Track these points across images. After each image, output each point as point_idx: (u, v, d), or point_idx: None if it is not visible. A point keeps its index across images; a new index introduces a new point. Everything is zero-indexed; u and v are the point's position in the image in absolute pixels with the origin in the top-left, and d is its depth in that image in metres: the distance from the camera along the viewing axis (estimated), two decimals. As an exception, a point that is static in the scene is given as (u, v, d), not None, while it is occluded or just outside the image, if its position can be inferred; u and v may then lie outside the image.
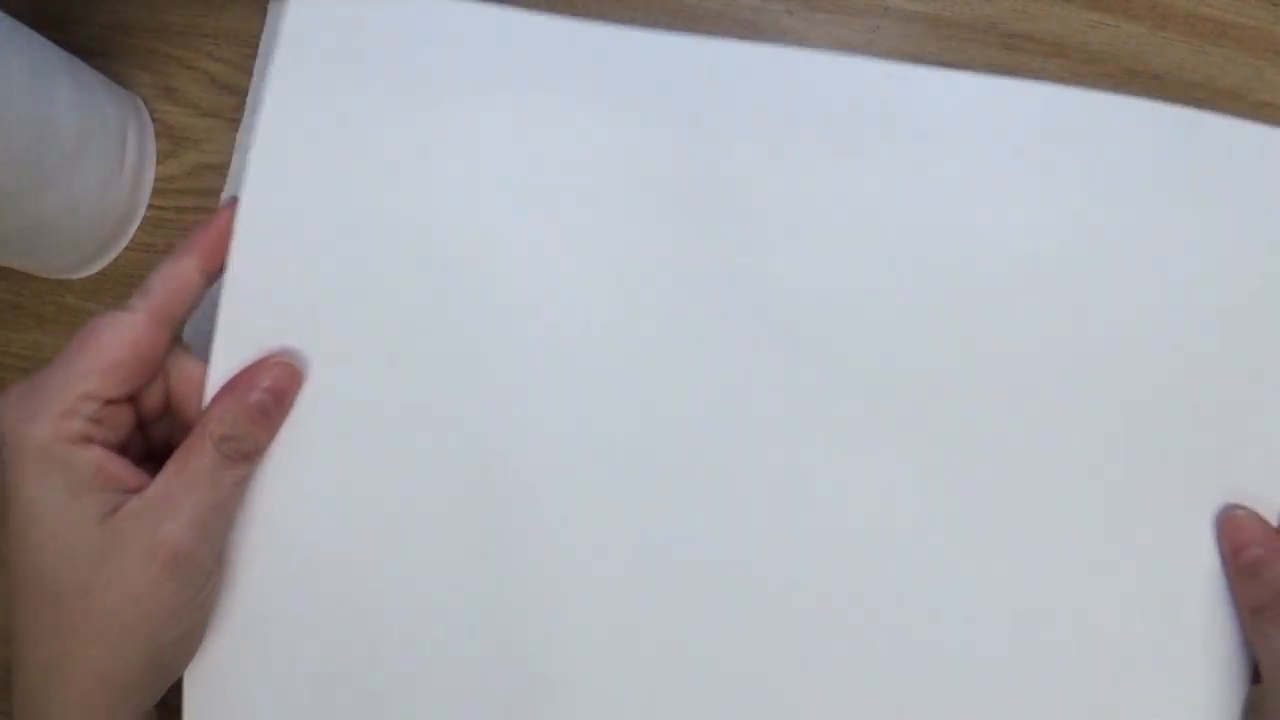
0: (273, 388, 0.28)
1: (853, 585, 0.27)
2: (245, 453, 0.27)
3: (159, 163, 0.42)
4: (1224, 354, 0.27)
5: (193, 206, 0.41)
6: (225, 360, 0.28)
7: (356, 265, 0.28)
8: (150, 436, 0.29)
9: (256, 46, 0.42)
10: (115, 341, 0.26)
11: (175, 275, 0.28)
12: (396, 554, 0.28)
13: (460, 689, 0.27)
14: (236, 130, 0.41)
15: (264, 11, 0.42)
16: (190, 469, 0.26)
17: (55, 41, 0.37)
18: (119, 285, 0.41)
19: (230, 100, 0.41)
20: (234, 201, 0.29)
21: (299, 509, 0.29)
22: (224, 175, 0.41)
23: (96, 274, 0.41)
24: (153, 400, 0.28)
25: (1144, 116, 0.29)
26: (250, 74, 0.41)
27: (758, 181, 0.28)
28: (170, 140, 0.42)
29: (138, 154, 0.40)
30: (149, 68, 0.42)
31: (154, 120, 0.42)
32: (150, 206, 0.42)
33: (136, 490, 0.26)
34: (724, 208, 0.28)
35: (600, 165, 0.28)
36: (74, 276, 0.41)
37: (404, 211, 0.28)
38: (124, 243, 0.41)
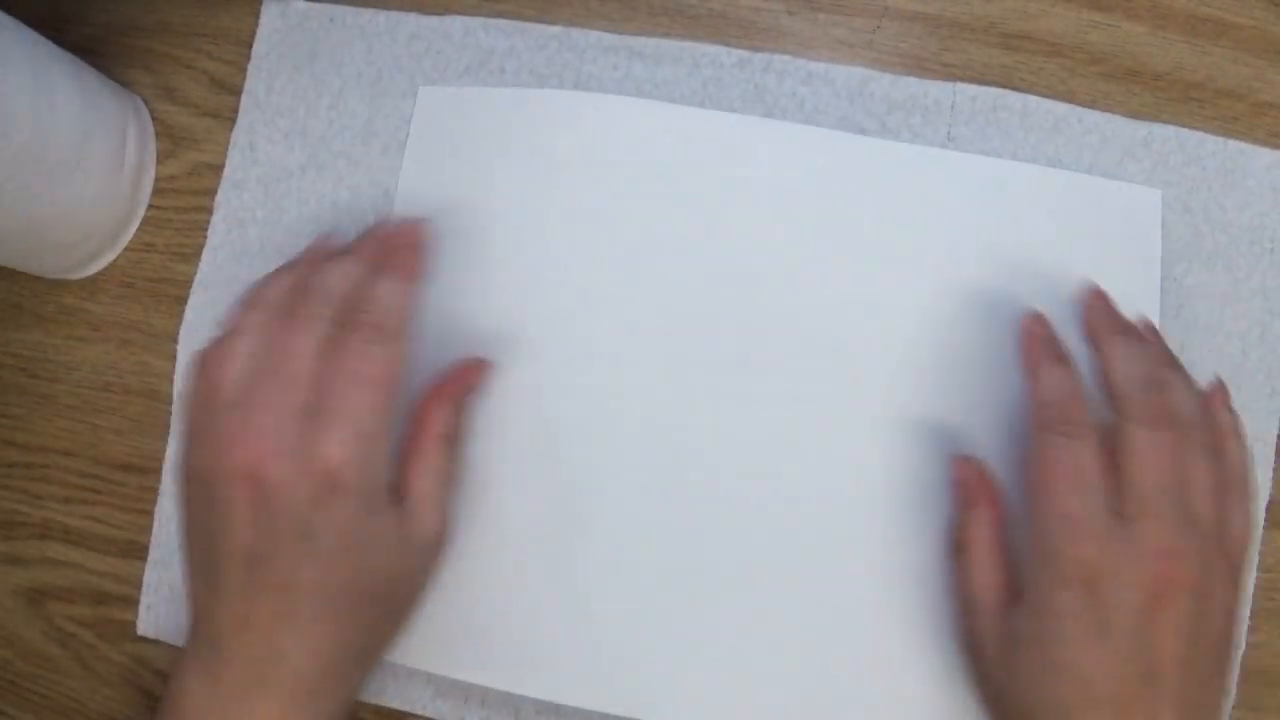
0: (475, 387, 0.35)
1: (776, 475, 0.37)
2: (457, 445, 0.34)
3: (159, 163, 0.42)
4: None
5: (193, 206, 0.41)
6: None
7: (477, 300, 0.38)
8: None
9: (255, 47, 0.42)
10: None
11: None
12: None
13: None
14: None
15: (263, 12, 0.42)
16: (430, 463, 0.32)
17: (55, 41, 0.37)
18: (119, 285, 0.41)
19: (229, 100, 0.41)
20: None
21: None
22: (222, 175, 0.41)
23: (96, 274, 0.41)
24: None
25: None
26: (248, 74, 0.41)
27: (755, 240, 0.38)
28: (170, 140, 0.42)
29: (138, 154, 0.40)
30: (149, 68, 0.42)
31: (154, 120, 0.42)
32: (150, 206, 0.42)
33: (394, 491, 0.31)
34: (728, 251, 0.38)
35: (643, 229, 0.38)
36: (74, 276, 0.41)
37: (510, 267, 0.38)
38: (124, 243, 0.41)
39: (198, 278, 0.41)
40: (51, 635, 0.40)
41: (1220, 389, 0.32)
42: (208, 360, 0.30)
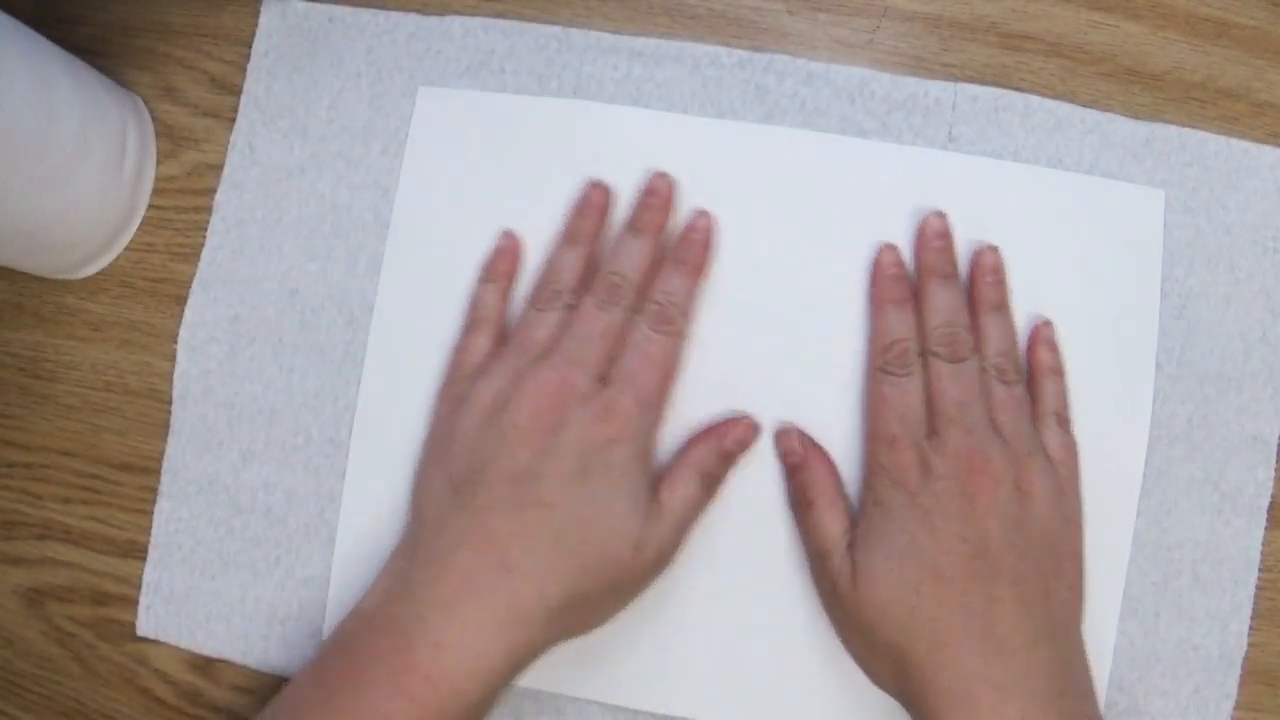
0: (742, 439, 0.36)
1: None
2: (715, 488, 0.36)
3: (159, 163, 0.42)
4: None
5: (193, 206, 0.41)
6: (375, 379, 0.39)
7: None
8: None
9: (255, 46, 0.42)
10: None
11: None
12: None
13: None
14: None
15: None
16: (680, 496, 0.34)
17: (55, 41, 0.37)
18: (119, 285, 0.41)
19: (229, 100, 0.41)
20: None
21: None
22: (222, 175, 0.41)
23: (96, 274, 0.41)
24: None
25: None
26: (248, 74, 0.41)
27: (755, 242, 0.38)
28: (170, 140, 0.42)
29: (138, 154, 0.40)
30: (149, 68, 0.42)
31: (154, 120, 0.42)
32: (150, 206, 0.42)
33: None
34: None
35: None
36: (74, 276, 0.41)
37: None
38: (124, 243, 0.41)
39: (198, 278, 0.41)
40: (51, 635, 0.40)
41: (1040, 329, 0.36)
42: (522, 324, 0.36)
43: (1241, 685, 0.36)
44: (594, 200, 0.37)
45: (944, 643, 0.30)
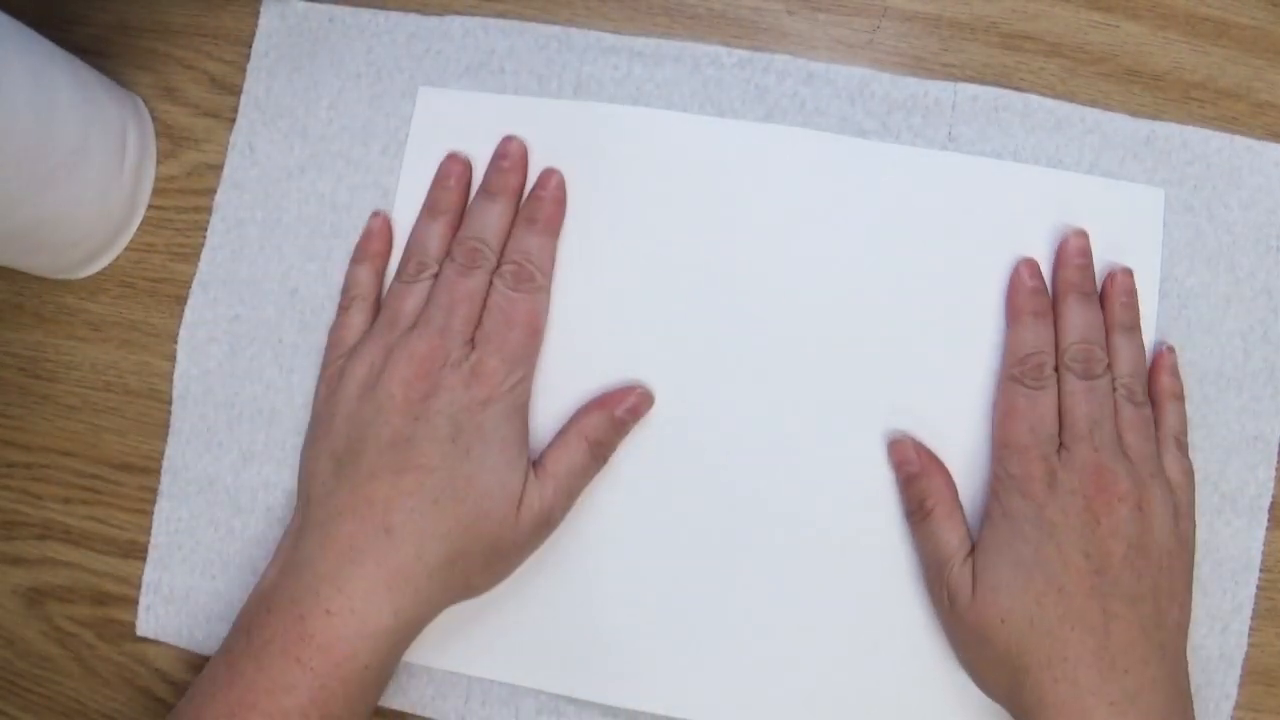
0: (634, 407, 0.36)
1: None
2: (604, 455, 0.36)
3: (159, 163, 0.42)
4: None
5: (193, 206, 0.41)
6: None
7: None
8: None
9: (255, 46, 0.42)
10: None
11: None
12: None
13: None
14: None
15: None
16: (570, 456, 0.35)
17: (55, 41, 0.37)
18: (119, 285, 0.41)
19: (229, 100, 0.41)
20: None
21: None
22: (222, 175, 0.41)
23: (96, 274, 0.41)
24: None
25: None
26: (248, 74, 0.41)
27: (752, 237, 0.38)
28: (170, 140, 0.42)
29: (138, 154, 0.40)
30: (149, 68, 0.42)
31: (154, 120, 0.42)
32: (150, 206, 0.42)
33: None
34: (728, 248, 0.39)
35: (641, 225, 0.39)
36: (74, 276, 0.41)
37: None
38: (124, 243, 0.41)
39: (198, 278, 0.41)
40: (51, 635, 0.40)
41: (1163, 356, 0.36)
42: (390, 297, 0.37)
43: (1241, 685, 0.36)
44: (453, 170, 0.38)
45: (1062, 656, 0.30)
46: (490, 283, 0.36)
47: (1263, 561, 0.36)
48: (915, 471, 0.36)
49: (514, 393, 0.35)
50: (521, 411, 0.35)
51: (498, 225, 0.37)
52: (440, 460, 0.33)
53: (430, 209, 0.38)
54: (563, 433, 0.36)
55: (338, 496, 0.33)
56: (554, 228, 0.37)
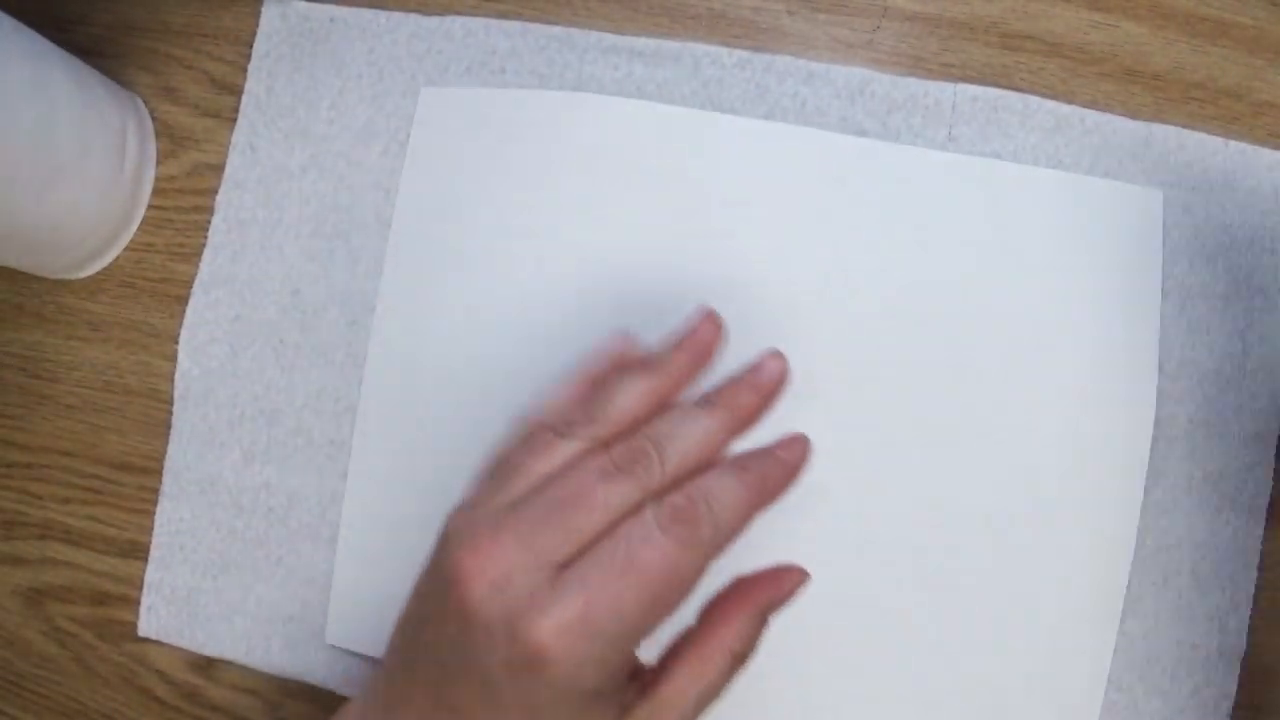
0: (788, 599, 0.28)
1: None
2: (745, 664, 0.27)
3: (159, 163, 0.42)
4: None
5: (193, 206, 0.41)
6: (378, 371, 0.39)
7: (480, 282, 0.39)
8: None
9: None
10: None
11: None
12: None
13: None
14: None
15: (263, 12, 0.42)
16: (706, 678, 0.26)
17: (55, 41, 0.37)
18: (119, 285, 0.41)
19: (229, 100, 0.41)
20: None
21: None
22: (223, 175, 0.41)
23: (96, 274, 0.41)
24: None
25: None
26: (249, 74, 0.41)
27: (746, 233, 0.38)
28: (170, 140, 0.42)
29: (138, 154, 0.40)
30: (149, 68, 0.42)
31: (154, 120, 0.42)
32: (150, 206, 0.42)
33: (637, 680, 0.26)
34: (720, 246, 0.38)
35: (632, 221, 0.38)
36: (74, 276, 0.41)
37: (508, 250, 0.39)
38: (124, 243, 0.41)
39: (198, 278, 0.41)
40: (51, 635, 0.40)
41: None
42: (524, 443, 0.26)
43: (1241, 685, 0.36)
44: (703, 338, 0.29)
45: None
46: (638, 504, 0.24)
47: (1262, 561, 0.36)
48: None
49: (586, 666, 0.23)
50: (593, 690, 0.24)
51: (695, 445, 0.26)
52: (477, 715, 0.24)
53: (650, 364, 0.28)
54: (698, 640, 0.26)
55: (399, 683, 0.26)
56: (766, 496, 0.26)
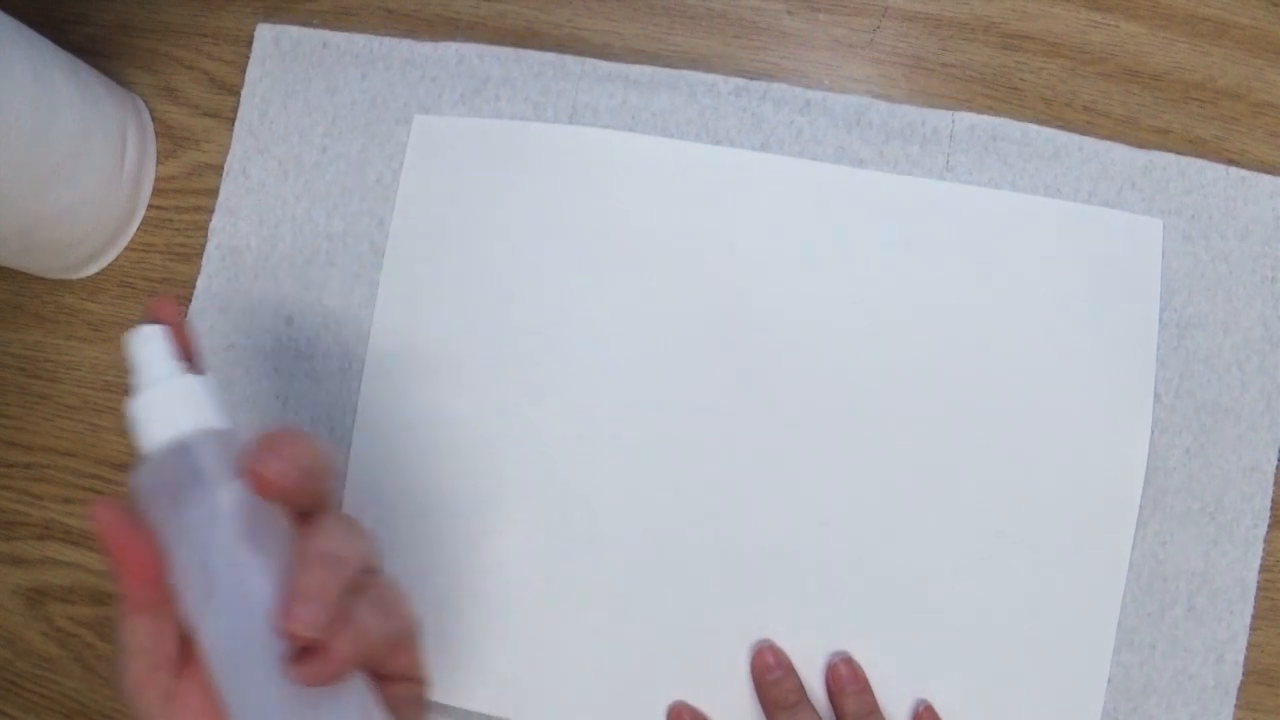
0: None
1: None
2: None
3: (159, 163, 0.42)
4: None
5: (193, 206, 0.41)
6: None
7: (470, 312, 0.39)
8: None
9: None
10: None
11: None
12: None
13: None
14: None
15: (263, 12, 0.42)
16: None
17: (55, 41, 0.37)
18: (119, 285, 0.41)
19: (230, 100, 0.41)
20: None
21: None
22: (222, 175, 0.41)
23: (96, 274, 0.41)
24: None
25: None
26: (242, 100, 0.41)
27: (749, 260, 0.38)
28: (170, 140, 0.42)
29: (138, 154, 0.40)
30: (149, 68, 0.42)
31: (154, 120, 0.42)
32: (150, 206, 0.42)
33: None
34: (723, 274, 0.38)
35: (631, 245, 0.38)
36: (74, 276, 0.41)
37: (501, 277, 0.39)
38: (124, 243, 0.41)
39: (193, 306, 0.40)
40: (52, 635, 0.40)
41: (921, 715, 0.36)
42: None
43: (1241, 685, 0.36)
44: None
45: None
46: None
47: (1262, 561, 0.36)
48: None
49: None
50: None
51: None
52: None
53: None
54: None
55: None
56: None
